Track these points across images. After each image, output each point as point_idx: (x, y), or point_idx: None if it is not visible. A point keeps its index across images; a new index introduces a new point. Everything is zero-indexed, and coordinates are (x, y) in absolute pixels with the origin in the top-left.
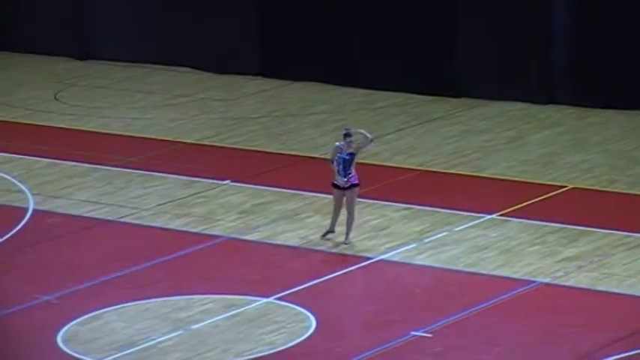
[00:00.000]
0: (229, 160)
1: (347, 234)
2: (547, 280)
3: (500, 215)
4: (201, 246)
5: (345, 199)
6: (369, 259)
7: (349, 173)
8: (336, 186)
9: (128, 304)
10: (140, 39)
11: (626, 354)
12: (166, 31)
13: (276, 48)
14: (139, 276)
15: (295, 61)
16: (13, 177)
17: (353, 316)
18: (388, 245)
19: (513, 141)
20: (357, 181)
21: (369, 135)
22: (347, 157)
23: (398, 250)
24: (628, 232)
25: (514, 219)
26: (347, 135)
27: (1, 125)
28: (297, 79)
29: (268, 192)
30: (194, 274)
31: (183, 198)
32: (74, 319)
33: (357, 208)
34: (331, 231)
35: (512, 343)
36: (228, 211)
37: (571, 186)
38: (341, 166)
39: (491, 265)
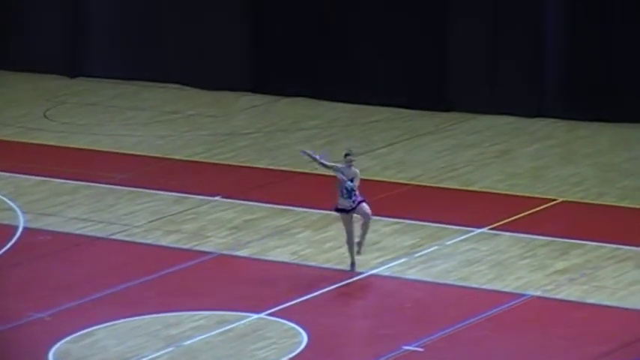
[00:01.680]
0: (220, 176)
1: (361, 240)
2: (538, 293)
3: (491, 229)
4: (192, 262)
5: (356, 216)
6: (360, 273)
7: (354, 195)
8: (341, 210)
9: (119, 321)
10: (130, 56)
11: None
12: (156, 48)
13: (266, 64)
14: (130, 293)
15: (285, 76)
16: (3, 195)
17: (344, 331)
18: (379, 260)
19: (503, 154)
20: (362, 199)
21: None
22: (351, 183)
23: (389, 265)
24: (618, 244)
25: (504, 232)
26: (347, 154)
27: None
28: (287, 95)
29: (259, 208)
30: (185, 290)
31: (174, 214)
32: (65, 336)
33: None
34: (353, 263)
35: (503, 356)
36: (219, 227)
37: (561, 199)
38: (345, 190)
39: (482, 279)
